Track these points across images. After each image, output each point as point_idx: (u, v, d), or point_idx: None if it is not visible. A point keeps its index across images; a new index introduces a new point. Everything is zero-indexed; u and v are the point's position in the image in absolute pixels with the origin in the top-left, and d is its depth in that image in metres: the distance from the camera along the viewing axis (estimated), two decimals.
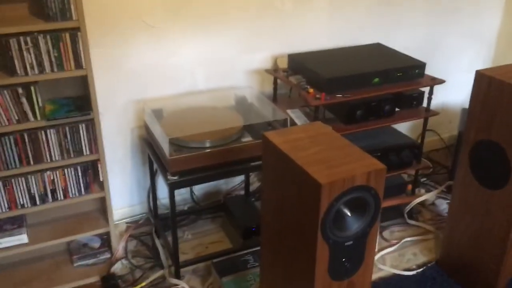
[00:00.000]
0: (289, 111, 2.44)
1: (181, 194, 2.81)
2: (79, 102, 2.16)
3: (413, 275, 2.38)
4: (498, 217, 2.02)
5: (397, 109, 2.48)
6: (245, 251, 2.38)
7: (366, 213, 1.33)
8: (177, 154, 2.04)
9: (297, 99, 2.56)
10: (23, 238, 2.20)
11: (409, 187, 2.70)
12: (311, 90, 2.25)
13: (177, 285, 2.27)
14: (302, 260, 1.38)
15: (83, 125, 2.11)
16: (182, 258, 2.39)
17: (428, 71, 2.49)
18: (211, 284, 2.30)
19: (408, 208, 2.71)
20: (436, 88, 2.48)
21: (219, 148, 2.11)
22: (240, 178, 2.87)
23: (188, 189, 2.78)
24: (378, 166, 1.30)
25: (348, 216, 1.32)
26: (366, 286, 1.46)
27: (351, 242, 1.34)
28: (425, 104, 2.52)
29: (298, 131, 1.50)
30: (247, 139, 2.19)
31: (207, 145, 2.11)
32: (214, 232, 2.68)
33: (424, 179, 3.11)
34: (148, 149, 2.33)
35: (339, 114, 2.37)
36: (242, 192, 2.86)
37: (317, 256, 1.31)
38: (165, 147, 2.03)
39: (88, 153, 2.18)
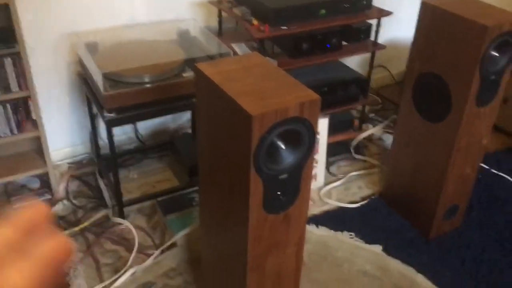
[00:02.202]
0: (234, 45, 2.34)
1: (126, 133, 2.71)
2: (3, 34, 1.98)
3: (356, 208, 2.44)
4: (438, 149, 2.05)
5: (344, 43, 2.42)
6: (191, 189, 2.36)
7: (301, 146, 1.30)
8: (112, 90, 1.93)
9: (244, 33, 2.45)
10: None
11: (356, 122, 2.71)
12: (255, 22, 2.15)
13: (121, 224, 2.23)
14: (237, 195, 1.35)
15: (9, 59, 1.96)
16: (127, 197, 2.35)
17: (377, 3, 2.42)
18: (156, 223, 2.27)
19: (354, 143, 2.73)
20: (387, 22, 2.43)
21: (159, 83, 2.01)
22: (187, 116, 2.80)
23: (133, 128, 2.69)
24: (312, 97, 1.25)
25: (282, 149, 1.28)
26: (303, 219, 1.46)
27: (285, 176, 1.32)
28: (373, 38, 2.47)
29: (232, 62, 1.43)
30: (189, 74, 2.09)
31: (146, 80, 2.01)
32: (161, 171, 2.63)
33: (373, 115, 3.13)
34: (85, 86, 2.20)
35: (285, 47, 2.29)
36: (190, 131, 2.79)
37: (250, 190, 1.28)
38: (99, 82, 1.92)
39: (16, 89, 2.03)
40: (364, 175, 2.66)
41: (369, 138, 2.90)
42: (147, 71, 2.01)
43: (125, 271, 2.01)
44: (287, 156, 1.30)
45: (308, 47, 2.25)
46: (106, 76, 1.94)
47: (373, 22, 2.43)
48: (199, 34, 2.41)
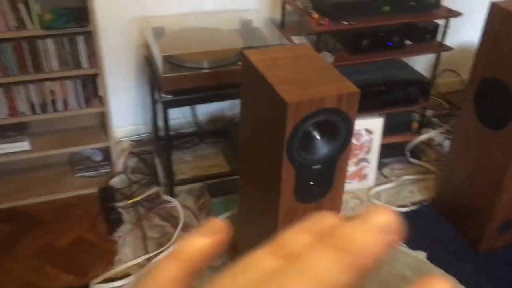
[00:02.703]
0: (294, 38, 2.36)
1: (186, 117, 2.82)
2: (78, 14, 2.14)
3: (405, 212, 2.37)
4: (496, 158, 1.95)
5: (408, 42, 2.35)
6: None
7: (337, 138, 1.31)
8: (171, 73, 2.03)
9: (306, 27, 2.45)
10: (24, 145, 2.29)
11: (415, 125, 2.63)
12: (315, 16, 2.15)
13: (170, 202, 2.34)
14: (270, 182, 1.38)
15: (81, 37, 2.11)
16: (179, 177, 2.45)
17: (447, 2, 2.33)
18: (203, 204, 2.36)
19: (410, 146, 2.65)
20: (459, 25, 2.33)
21: (215, 69, 2.08)
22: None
23: (192, 112, 2.79)
24: (351, 90, 1.25)
25: (317, 139, 1.29)
26: (335, 212, 1.46)
27: (319, 166, 1.33)
28: (440, 39, 2.38)
29: (280, 51, 1.45)
30: None
31: (203, 65, 2.08)
32: (214, 156, 2.71)
33: (436, 119, 3.01)
34: (148, 68, 2.32)
35: (344, 43, 2.27)
36: None
37: (282, 177, 1.30)
38: (159, 64, 2.02)
39: (87, 66, 2.19)
40: (418, 180, 2.58)
41: (428, 143, 2.80)
42: (206, 57, 2.09)
43: (169, 246, 2.10)
44: (322, 147, 1.31)
45: (368, 44, 2.21)
46: (167, 59, 2.03)
47: (441, 22, 2.34)
48: (261, 25, 2.45)
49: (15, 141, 2.27)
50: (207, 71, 2.07)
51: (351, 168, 2.46)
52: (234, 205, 2.21)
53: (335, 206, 1.44)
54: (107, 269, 2.00)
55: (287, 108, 1.19)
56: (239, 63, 2.10)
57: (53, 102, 2.22)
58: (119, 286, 1.92)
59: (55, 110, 2.24)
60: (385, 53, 2.28)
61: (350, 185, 2.49)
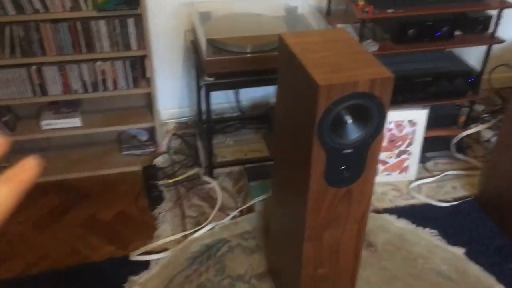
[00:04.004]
0: (339, 25, 2.35)
1: (230, 102, 2.88)
2: None
3: (446, 207, 2.32)
4: None
5: (458, 33, 2.28)
6: None
7: (369, 123, 1.30)
8: (214, 56, 2.08)
9: (352, 15, 2.43)
10: (76, 121, 2.42)
11: (462, 119, 2.55)
12: (360, 3, 2.13)
13: (209, 183, 2.40)
14: (300, 165, 1.40)
15: (132, 19, 2.20)
16: (219, 160, 2.51)
17: None
18: (241, 187, 2.41)
19: (455, 140, 2.58)
20: None
21: (258, 54, 2.11)
22: None
23: (236, 97, 2.84)
24: (385, 75, 1.24)
25: (349, 123, 1.29)
26: (366, 198, 1.46)
27: (350, 151, 1.33)
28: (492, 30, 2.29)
29: (316, 35, 1.46)
30: None
31: (246, 50, 2.12)
32: (255, 141, 2.75)
33: (487, 115, 2.90)
34: (194, 52, 2.38)
35: (390, 31, 2.23)
36: None
37: (312, 160, 1.32)
38: (203, 47, 2.07)
39: (136, 48, 2.28)
40: (462, 176, 2.51)
41: (476, 139, 2.71)
42: (249, 41, 2.12)
43: (205, 225, 2.17)
44: (354, 131, 1.31)
45: (415, 33, 2.17)
46: (210, 43, 2.08)
47: (494, 13, 2.25)
48: (306, 12, 2.45)
49: (68, 117, 2.41)
50: (249, 55, 2.10)
51: (392, 160, 2.43)
52: (270, 189, 2.24)
53: (366, 192, 1.44)
54: (146, 243, 2.09)
55: (319, 91, 1.20)
56: None
57: (104, 81, 2.33)
58: (157, 259, 2.01)
59: (105, 89, 2.35)
60: (432, 43, 2.22)
61: (390, 177, 2.46)
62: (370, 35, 2.29)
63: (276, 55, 2.07)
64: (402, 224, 2.22)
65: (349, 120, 1.29)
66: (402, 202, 2.35)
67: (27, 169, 0.41)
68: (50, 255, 2.03)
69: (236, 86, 2.28)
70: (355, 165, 1.37)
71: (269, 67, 2.11)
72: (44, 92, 2.28)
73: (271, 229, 1.91)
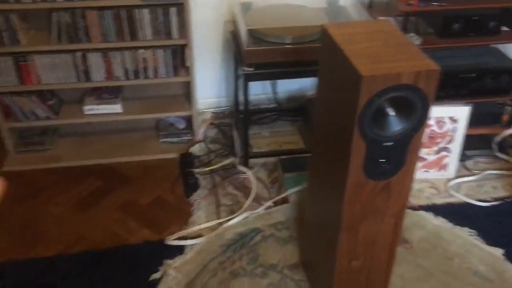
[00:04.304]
0: (381, 18, 2.31)
1: (267, 93, 2.88)
2: None
3: (485, 207, 2.26)
4: None
5: (505, 29, 2.21)
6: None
7: (411, 116, 1.28)
8: (254, 46, 2.08)
9: (394, 8, 2.39)
10: (117, 108, 2.48)
11: (505, 117, 2.47)
12: None
13: (244, 173, 2.42)
14: (339, 156, 1.39)
15: (174, 8, 2.23)
16: (254, 151, 2.53)
17: None
18: (275, 178, 2.41)
19: (498, 139, 2.50)
20: None
21: (297, 45, 2.11)
22: None
23: (273, 89, 2.84)
24: (430, 67, 1.22)
25: (391, 115, 1.28)
26: (405, 192, 1.44)
27: (391, 143, 1.32)
28: None
29: (359, 26, 1.44)
30: None
31: (286, 41, 2.11)
32: (290, 133, 2.75)
33: None
34: (233, 42, 2.40)
35: (434, 25, 2.18)
36: None
37: (351, 151, 1.31)
38: (244, 37, 2.08)
39: (177, 37, 2.31)
40: (503, 176, 2.44)
41: None
42: (289, 32, 2.12)
43: (239, 214, 2.19)
44: (395, 123, 1.29)
45: (460, 27, 2.11)
46: (251, 33, 2.09)
47: None
48: (348, 4, 2.43)
49: (109, 103, 2.47)
50: (289, 46, 2.10)
51: (431, 157, 2.39)
52: (305, 181, 2.24)
53: (405, 186, 1.43)
54: (181, 229, 2.13)
55: (362, 81, 1.19)
56: None
57: (145, 69, 2.38)
58: (192, 245, 2.05)
59: (146, 76, 2.40)
60: (477, 39, 2.16)
61: (428, 174, 2.42)
62: (413, 29, 2.24)
63: (316, 46, 2.07)
64: (439, 222, 2.18)
65: (391, 112, 1.28)
66: (439, 200, 2.31)
67: None
68: (88, 236, 2.10)
69: (274, 76, 2.28)
70: (395, 158, 1.36)
71: (308, 58, 2.11)
72: (88, 78, 2.34)
73: (305, 220, 1.91)
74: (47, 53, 2.24)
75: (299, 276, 1.94)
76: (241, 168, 2.44)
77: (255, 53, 2.07)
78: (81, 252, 2.01)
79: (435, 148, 2.37)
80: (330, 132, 1.48)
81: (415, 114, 1.29)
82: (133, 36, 2.27)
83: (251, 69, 2.12)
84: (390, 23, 1.44)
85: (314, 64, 2.10)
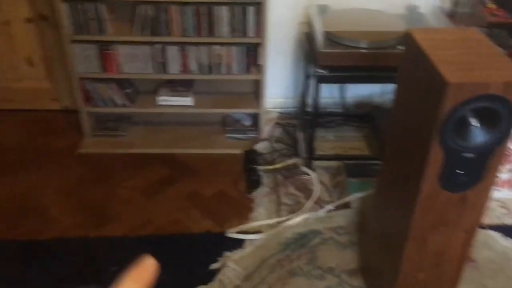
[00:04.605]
0: (463, 28, 2.24)
1: (334, 98, 2.87)
2: None
3: None
4: None
5: None
6: (379, 162, 2.40)
7: (496, 128, 1.24)
8: (329, 49, 2.09)
9: (478, 19, 2.31)
10: (189, 100, 2.56)
11: None
12: (491, 6, 2.02)
13: (307, 174, 2.42)
14: (415, 163, 1.37)
15: (252, 8, 2.27)
16: (318, 153, 2.52)
17: None
18: (338, 182, 2.40)
19: None
20: None
21: (373, 50, 2.09)
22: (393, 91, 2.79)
23: (341, 94, 2.83)
24: None
25: (475, 126, 1.24)
26: (480, 207, 1.39)
27: (471, 155, 1.28)
28: None
29: (446, 32, 1.41)
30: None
31: (361, 45, 2.10)
32: (356, 139, 2.72)
33: None
34: (307, 43, 2.41)
35: None
36: None
37: (429, 160, 1.28)
38: (319, 39, 2.09)
39: (252, 35, 2.36)
40: None
41: None
42: (365, 37, 2.10)
43: (300, 214, 2.20)
44: (478, 135, 1.26)
45: None
46: (326, 35, 2.10)
47: None
48: (429, 12, 2.37)
49: (182, 96, 2.56)
50: (364, 51, 2.09)
51: (503, 175, 2.29)
52: (369, 188, 2.22)
53: (481, 201, 1.38)
54: (242, 223, 2.17)
55: (447, 89, 1.16)
56: (399, 47, 2.08)
57: (219, 65, 2.44)
58: (251, 240, 2.08)
59: (218, 72, 2.46)
60: None
61: (499, 193, 2.32)
62: (496, 41, 2.16)
63: (393, 53, 2.05)
64: (509, 244, 2.08)
65: (475, 122, 1.24)
66: (510, 221, 2.20)
67: (148, 269, 0.45)
68: (153, 221, 2.18)
69: (347, 80, 2.27)
70: (473, 170, 1.32)
71: (384, 64, 2.08)
72: (164, 70, 2.44)
73: (368, 227, 1.89)
74: (129, 44, 2.35)
75: (357, 282, 1.92)
76: (305, 169, 2.45)
77: (329, 56, 2.07)
78: (147, 235, 2.10)
79: (508, 167, 2.27)
80: (406, 139, 1.45)
81: (500, 126, 1.24)
82: (210, 32, 2.33)
83: (324, 71, 2.12)
84: (478, 32, 1.40)
85: (389, 70, 2.09)
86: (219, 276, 1.92)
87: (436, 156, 1.29)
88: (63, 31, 2.30)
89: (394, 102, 1.57)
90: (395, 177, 1.59)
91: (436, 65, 1.23)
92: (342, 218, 2.19)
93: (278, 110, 2.89)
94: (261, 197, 2.32)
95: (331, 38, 2.14)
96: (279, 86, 2.85)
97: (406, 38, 1.41)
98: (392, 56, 2.07)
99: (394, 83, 2.42)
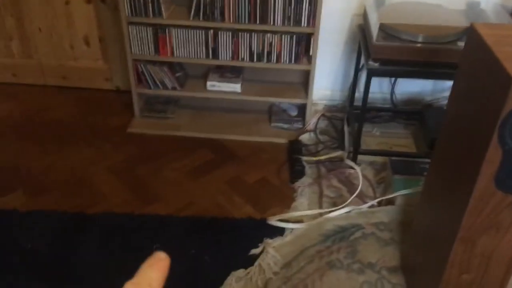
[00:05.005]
0: None
1: (383, 93, 2.83)
2: None
3: None
4: None
5: None
6: (426, 160, 2.35)
7: None
8: (384, 41, 2.05)
9: None
10: (237, 87, 2.58)
11: None
12: None
13: (351, 168, 2.40)
14: (469, 163, 1.33)
15: None
16: (363, 148, 2.50)
17: None
18: (382, 178, 2.37)
19: None
20: None
21: (430, 45, 2.04)
22: (445, 90, 2.72)
23: (391, 89, 2.78)
24: None
25: None
26: None
27: None
28: None
29: (511, 29, 1.36)
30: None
31: (418, 39, 2.05)
32: (403, 136, 2.68)
33: None
34: (360, 35, 2.38)
35: None
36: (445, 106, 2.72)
37: (486, 158, 1.25)
38: (374, 31, 2.06)
39: (305, 25, 2.35)
40: None
41: None
42: (422, 31, 2.05)
43: (342, 207, 2.19)
44: None
45: None
46: (382, 28, 2.06)
47: None
48: (490, 9, 2.29)
49: (230, 82, 2.58)
50: (421, 45, 2.04)
51: None
52: (414, 185, 2.18)
53: None
54: (283, 212, 2.18)
55: None
56: (458, 43, 2.02)
57: (269, 53, 2.45)
58: (292, 229, 2.08)
59: (268, 60, 2.47)
60: None
61: None
62: None
63: (451, 49, 1.99)
64: None
65: None
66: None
67: (163, 259, 0.48)
68: (197, 203, 2.22)
69: (400, 75, 2.22)
70: None
71: (440, 60, 2.03)
72: (215, 56, 2.47)
73: (413, 225, 1.86)
74: (183, 28, 2.39)
75: (397, 280, 1.89)
76: (349, 162, 2.43)
77: (384, 48, 2.04)
78: (190, 216, 2.14)
79: None
80: (462, 137, 1.42)
81: None
82: (264, 20, 2.34)
83: (377, 64, 2.09)
84: None
85: (446, 67, 2.03)
86: (259, 261, 1.94)
87: (493, 155, 1.25)
88: (121, 13, 2.36)
89: (450, 99, 1.53)
90: (446, 176, 1.55)
91: (501, 61, 1.19)
92: (385, 214, 2.16)
93: (325, 102, 2.88)
94: (304, 187, 2.32)
95: (386, 30, 2.10)
96: (327, 78, 2.83)
97: (469, 33, 1.37)
98: (450, 52, 2.01)
99: (450, 79, 2.35)
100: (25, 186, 2.26)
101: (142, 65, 2.53)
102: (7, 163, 2.39)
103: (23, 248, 1.95)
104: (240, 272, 1.90)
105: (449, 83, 2.71)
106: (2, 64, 2.90)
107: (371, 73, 2.12)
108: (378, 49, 2.05)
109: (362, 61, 2.54)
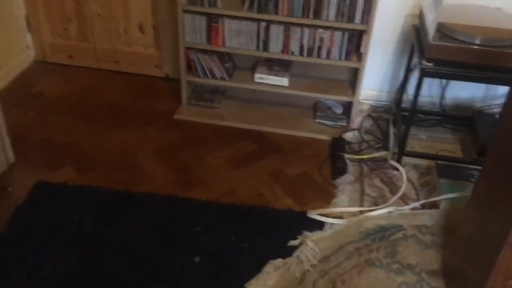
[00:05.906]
0: None
1: (432, 97, 2.78)
2: None
3: None
4: None
5: None
6: (473, 167, 2.29)
7: None
8: (440, 41, 2.02)
9: None
10: (284, 81, 2.59)
11: None
12: None
13: (395, 169, 2.37)
14: None
15: None
16: (409, 150, 2.46)
17: None
18: (426, 181, 2.33)
19: None
20: None
21: (488, 48, 1.99)
22: (499, 96, 2.65)
23: (441, 94, 2.73)
24: None
25: None
26: None
27: None
28: None
29: None
30: None
31: (475, 41, 2.01)
32: (449, 142, 2.62)
33: None
34: (414, 35, 2.34)
35: None
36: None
37: None
38: (431, 30, 2.02)
39: (358, 22, 2.33)
40: None
41: None
42: (481, 33, 2.01)
43: (384, 207, 2.16)
44: None
45: None
46: (439, 27, 2.02)
47: None
48: None
49: (278, 76, 2.60)
50: (477, 47, 1.99)
51: None
52: (460, 190, 2.13)
53: None
54: (323, 207, 2.17)
55: None
56: None
57: (319, 48, 2.45)
58: (332, 224, 2.08)
59: (318, 56, 2.47)
60: None
61: None
62: None
63: (509, 52, 1.93)
64: None
65: None
66: None
67: None
68: (238, 191, 2.24)
69: (454, 77, 2.17)
70: None
71: (497, 64, 1.98)
72: (265, 48, 2.48)
73: (459, 230, 1.82)
74: (236, 19, 2.42)
75: (437, 283, 1.86)
76: (394, 163, 2.39)
77: (440, 48, 2.00)
78: (231, 203, 2.16)
79: None
80: None
81: None
82: (317, 14, 2.34)
83: (431, 65, 2.05)
84: None
85: (504, 72, 1.98)
86: (297, 253, 1.94)
87: None
88: (177, 0, 2.41)
89: (506, 105, 1.49)
90: (497, 182, 1.51)
91: None
92: (428, 218, 2.13)
93: (371, 102, 2.85)
94: (345, 184, 2.31)
95: (443, 30, 2.06)
96: (375, 78, 2.80)
97: None
98: (508, 56, 1.96)
99: (507, 85, 2.30)
100: (75, 162, 2.35)
101: (193, 53, 2.58)
102: (60, 139, 2.49)
103: (71, 221, 2.02)
104: (278, 261, 1.90)
105: (502, 90, 2.65)
106: (60, 46, 3.01)
107: (424, 73, 2.08)
108: (434, 49, 2.02)
109: (414, 62, 2.51)
